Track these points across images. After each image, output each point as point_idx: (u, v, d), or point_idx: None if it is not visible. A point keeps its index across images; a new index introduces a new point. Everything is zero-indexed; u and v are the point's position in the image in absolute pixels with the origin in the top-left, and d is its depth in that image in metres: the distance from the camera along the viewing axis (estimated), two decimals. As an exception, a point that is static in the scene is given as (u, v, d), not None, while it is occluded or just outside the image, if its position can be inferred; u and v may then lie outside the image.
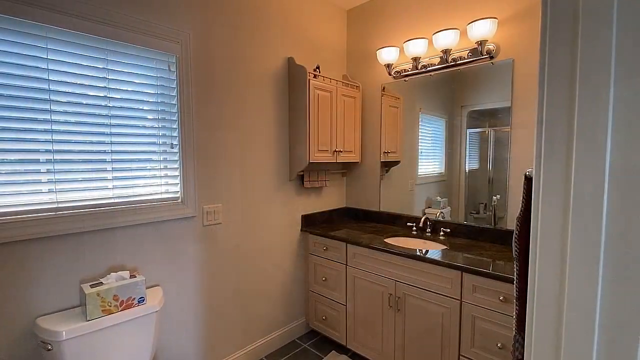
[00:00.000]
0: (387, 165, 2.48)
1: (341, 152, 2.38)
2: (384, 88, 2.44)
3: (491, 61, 1.89)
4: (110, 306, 1.31)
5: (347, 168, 2.73)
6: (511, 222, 1.87)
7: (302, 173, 2.31)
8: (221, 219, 1.89)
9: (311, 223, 2.46)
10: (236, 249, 2.00)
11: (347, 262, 2.10)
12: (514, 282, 0.78)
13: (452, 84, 2.09)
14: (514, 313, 0.79)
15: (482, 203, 1.99)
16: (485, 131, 1.96)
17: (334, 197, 2.67)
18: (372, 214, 2.56)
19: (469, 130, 2.03)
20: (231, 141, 1.93)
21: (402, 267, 1.81)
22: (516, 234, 0.76)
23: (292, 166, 2.27)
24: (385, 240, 2.05)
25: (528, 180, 0.73)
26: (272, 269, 2.22)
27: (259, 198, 2.11)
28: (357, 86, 2.50)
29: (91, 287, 1.30)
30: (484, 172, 1.97)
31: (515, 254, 0.76)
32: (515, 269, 0.77)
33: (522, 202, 0.74)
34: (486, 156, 1.96)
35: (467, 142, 2.04)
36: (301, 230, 2.40)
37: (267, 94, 2.11)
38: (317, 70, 2.27)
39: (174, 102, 1.66)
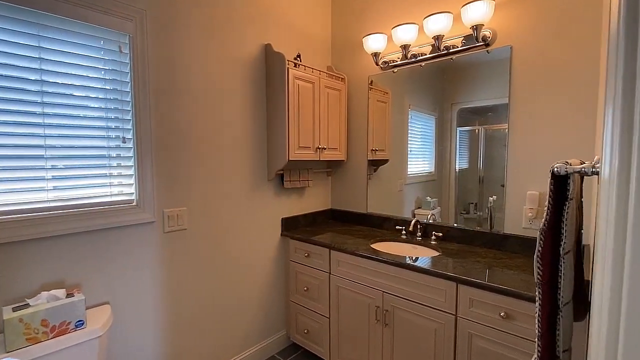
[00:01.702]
0: (374, 164, 2.30)
1: (325, 149, 2.18)
2: (371, 81, 2.26)
3: (487, 49, 1.73)
4: (37, 333, 1.07)
5: (331, 167, 2.53)
6: (509, 225, 1.70)
7: (281, 172, 2.11)
8: (186, 224, 1.67)
9: (292, 227, 2.26)
10: (205, 257, 1.77)
11: (330, 270, 1.90)
12: (536, 312, 0.59)
13: (443, 77, 1.92)
14: (536, 352, 0.60)
15: (472, 203, 1.85)
16: (475, 129, 1.83)
17: (318, 198, 2.47)
18: (359, 216, 2.37)
19: (459, 129, 1.89)
20: (197, 136, 1.70)
21: (390, 277, 1.62)
22: (539, 249, 0.57)
23: (271, 164, 2.05)
24: (372, 245, 1.86)
25: (557, 178, 0.54)
26: (248, 278, 2.00)
27: (232, 200, 1.89)
28: (342, 78, 2.30)
29: (13, 311, 1.06)
30: (474, 171, 1.84)
31: (538, 278, 0.57)
32: (537, 297, 0.58)
33: (548, 207, 0.55)
34: (476, 155, 1.83)
35: (457, 141, 1.90)
36: (281, 234, 2.19)
37: (240, 83, 1.89)
38: (298, 58, 2.07)
39: (127, 90, 1.43)
